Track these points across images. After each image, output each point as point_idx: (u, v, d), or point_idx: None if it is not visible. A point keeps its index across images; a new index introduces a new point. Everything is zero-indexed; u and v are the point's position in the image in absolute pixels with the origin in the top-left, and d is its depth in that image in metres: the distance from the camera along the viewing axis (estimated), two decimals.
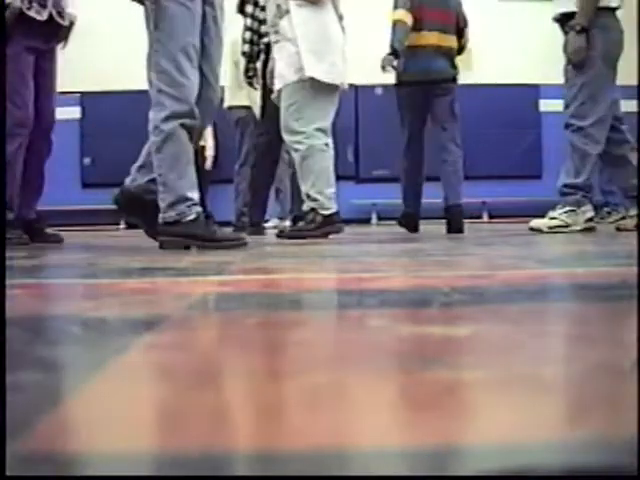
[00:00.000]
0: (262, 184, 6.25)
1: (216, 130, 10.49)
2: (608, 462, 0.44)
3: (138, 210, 3.62)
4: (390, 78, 5.83)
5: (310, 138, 4.65)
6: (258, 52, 5.81)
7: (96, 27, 10.08)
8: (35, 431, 0.53)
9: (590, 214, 4.92)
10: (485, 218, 11.14)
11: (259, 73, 5.86)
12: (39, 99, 4.36)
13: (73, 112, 10.32)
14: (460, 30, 5.83)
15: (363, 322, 1.08)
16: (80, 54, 9.98)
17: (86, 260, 2.92)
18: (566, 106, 5.05)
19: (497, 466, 0.43)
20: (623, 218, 5.33)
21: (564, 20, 5.00)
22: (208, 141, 10.92)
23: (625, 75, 5.72)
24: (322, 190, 4.56)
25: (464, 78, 11.39)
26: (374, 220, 10.12)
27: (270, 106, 5.30)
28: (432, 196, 5.77)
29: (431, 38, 5.58)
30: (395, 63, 5.44)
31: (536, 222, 4.96)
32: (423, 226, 5.75)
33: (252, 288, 1.71)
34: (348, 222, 5.82)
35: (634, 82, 6.51)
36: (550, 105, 11.30)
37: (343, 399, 0.61)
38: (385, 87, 10.66)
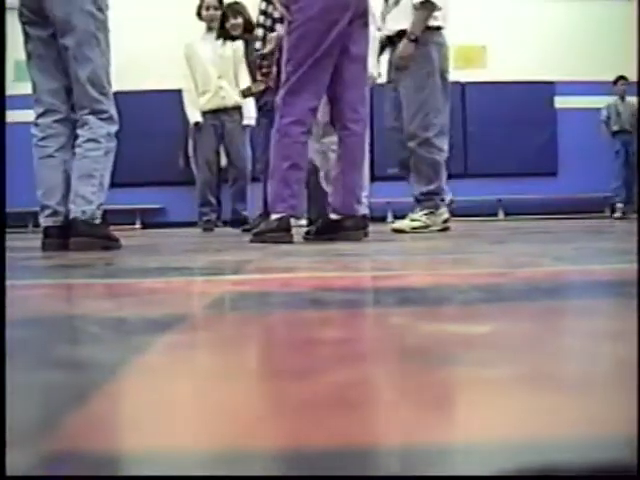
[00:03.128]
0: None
1: None
2: (625, 461, 0.43)
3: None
4: None
5: None
6: (272, 50, 5.82)
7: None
8: (61, 430, 0.53)
9: (446, 215, 5.40)
10: (501, 216, 11.12)
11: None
12: None
13: None
14: None
15: (383, 320, 1.08)
16: None
17: (102, 260, 2.93)
18: (409, 119, 5.36)
19: (518, 465, 0.43)
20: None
21: (397, 37, 5.40)
22: None
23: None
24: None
25: (479, 75, 11.42)
26: (389, 218, 10.11)
27: None
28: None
29: None
30: None
31: (399, 223, 5.36)
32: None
33: (270, 287, 1.71)
34: None
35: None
36: (565, 102, 11.28)
37: (368, 397, 0.61)
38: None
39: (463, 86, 11.37)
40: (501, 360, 0.76)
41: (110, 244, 3.66)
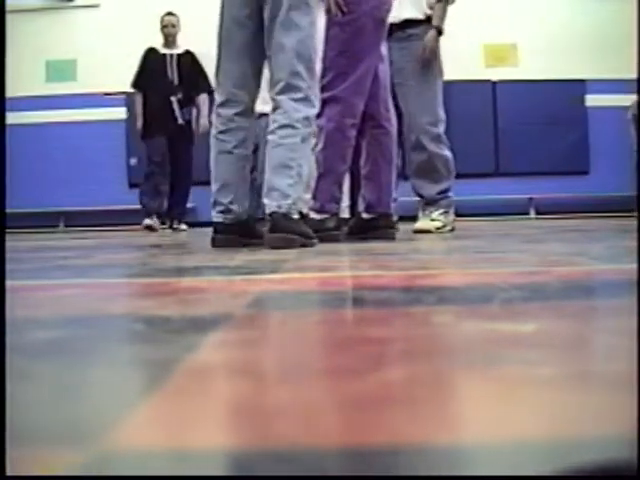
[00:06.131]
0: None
1: None
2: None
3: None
4: None
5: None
6: None
7: (139, 29, 10.14)
8: (118, 429, 0.54)
9: (453, 214, 5.20)
10: (532, 214, 11.06)
11: None
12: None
13: (119, 112, 10.39)
14: None
15: (426, 319, 1.08)
16: (125, 55, 10.05)
17: (138, 259, 2.95)
18: (418, 115, 5.04)
19: (566, 465, 0.43)
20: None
21: (403, 26, 5.07)
22: None
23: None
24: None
25: (510, 74, 11.36)
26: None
27: None
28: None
29: None
30: None
31: (422, 224, 5.04)
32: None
33: (309, 286, 1.72)
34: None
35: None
36: (597, 100, 11.19)
37: (419, 395, 0.62)
38: None
39: (494, 84, 11.32)
40: (549, 359, 0.76)
41: (307, 242, 3.32)
